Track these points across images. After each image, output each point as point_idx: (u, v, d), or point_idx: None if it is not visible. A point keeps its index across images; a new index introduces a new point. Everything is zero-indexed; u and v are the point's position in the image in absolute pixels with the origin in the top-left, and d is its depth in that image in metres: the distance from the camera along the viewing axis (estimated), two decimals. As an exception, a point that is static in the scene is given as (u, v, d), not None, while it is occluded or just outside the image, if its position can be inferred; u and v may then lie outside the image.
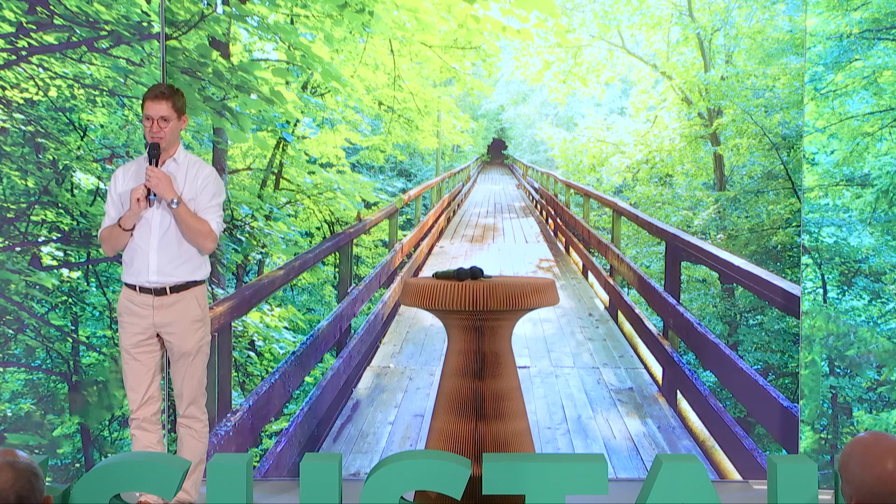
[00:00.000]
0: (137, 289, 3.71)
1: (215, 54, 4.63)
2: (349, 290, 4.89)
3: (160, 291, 3.71)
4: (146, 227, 3.70)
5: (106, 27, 4.48)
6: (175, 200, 3.63)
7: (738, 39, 4.81)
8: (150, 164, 3.65)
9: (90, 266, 4.59)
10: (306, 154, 4.82)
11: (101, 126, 4.56)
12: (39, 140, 4.52)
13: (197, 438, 3.85)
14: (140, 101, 3.83)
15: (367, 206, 4.91)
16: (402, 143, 4.93)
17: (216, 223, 3.75)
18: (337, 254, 4.92)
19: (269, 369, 4.79)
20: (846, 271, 4.76)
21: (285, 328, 4.81)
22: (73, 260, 4.57)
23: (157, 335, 3.75)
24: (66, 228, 4.55)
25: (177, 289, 3.72)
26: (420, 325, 5.07)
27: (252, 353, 4.82)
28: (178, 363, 3.77)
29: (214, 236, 3.74)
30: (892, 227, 4.70)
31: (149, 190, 3.62)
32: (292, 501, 4.19)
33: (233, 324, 4.71)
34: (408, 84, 4.88)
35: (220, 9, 4.64)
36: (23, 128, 4.50)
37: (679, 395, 4.85)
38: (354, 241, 4.93)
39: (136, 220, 3.68)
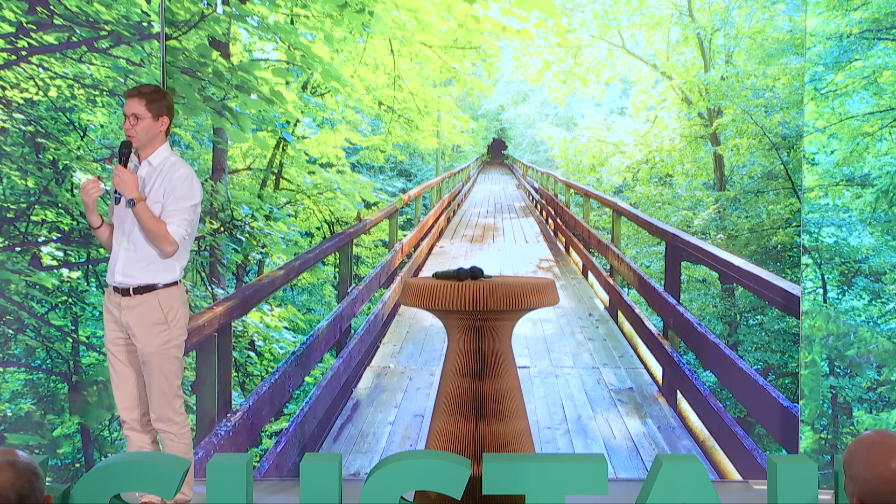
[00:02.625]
0: (112, 288, 3.73)
1: (215, 54, 4.63)
2: (349, 290, 4.89)
3: (125, 292, 3.68)
4: (119, 228, 3.70)
5: (106, 27, 4.48)
6: (132, 200, 3.59)
7: (738, 39, 4.81)
8: (119, 162, 3.62)
9: (90, 266, 4.59)
10: (306, 154, 4.82)
11: (101, 126, 4.56)
12: (39, 140, 4.52)
13: (177, 440, 3.80)
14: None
15: (367, 206, 4.91)
16: (402, 143, 4.93)
17: (175, 227, 3.64)
18: (337, 254, 4.92)
19: (269, 369, 4.79)
20: (846, 271, 4.76)
21: (285, 328, 4.81)
22: (73, 260, 4.57)
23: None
24: (66, 228, 4.55)
25: (140, 290, 3.67)
26: (420, 325, 5.07)
27: (252, 353, 4.82)
28: (144, 366, 3.72)
29: (171, 240, 3.63)
30: (892, 227, 4.70)
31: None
32: (292, 501, 4.19)
33: (233, 324, 4.71)
34: (408, 84, 4.88)
35: (220, 9, 4.64)
36: (23, 128, 4.50)
37: (679, 395, 4.85)
38: (354, 241, 4.93)
39: (92, 217, 3.73)
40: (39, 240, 4.55)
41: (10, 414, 4.53)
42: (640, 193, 4.94)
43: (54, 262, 4.55)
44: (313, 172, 4.84)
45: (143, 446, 3.79)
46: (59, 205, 4.54)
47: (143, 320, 3.67)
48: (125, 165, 3.63)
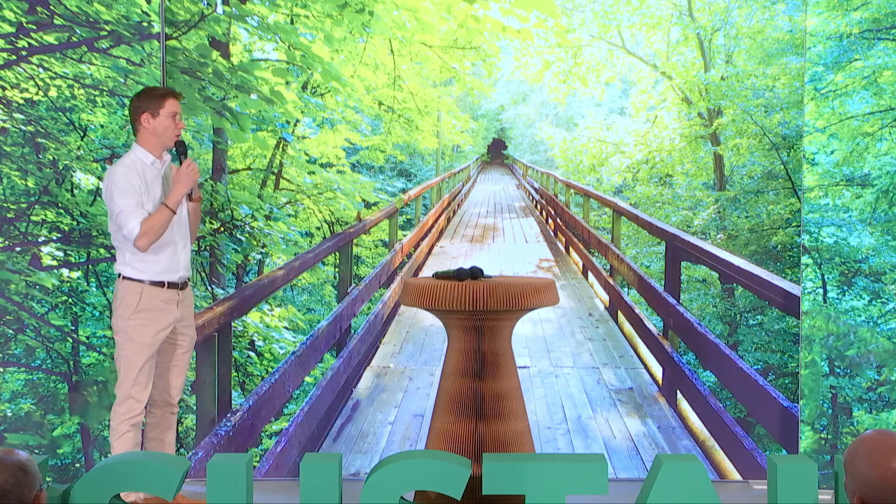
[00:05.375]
0: (166, 285, 3.78)
1: (215, 54, 4.63)
2: (349, 290, 4.89)
3: (183, 286, 3.86)
4: (174, 223, 3.79)
5: (106, 27, 4.48)
6: (199, 195, 3.86)
7: (738, 39, 4.81)
8: (182, 160, 3.76)
9: (90, 266, 4.59)
10: (306, 154, 4.82)
11: (101, 126, 4.56)
12: (39, 140, 4.52)
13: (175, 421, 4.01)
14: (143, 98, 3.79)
15: (367, 206, 4.91)
16: (402, 143, 4.93)
17: None
18: (337, 254, 4.92)
19: (269, 369, 4.79)
20: (846, 271, 4.76)
21: (285, 328, 4.81)
22: (73, 260, 4.57)
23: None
24: (66, 228, 4.55)
25: (188, 282, 3.92)
26: (420, 325, 5.07)
27: (252, 353, 4.81)
28: (185, 355, 3.92)
29: None
30: (892, 227, 4.70)
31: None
32: (292, 501, 4.19)
33: (233, 324, 4.71)
34: (408, 84, 4.88)
35: (220, 9, 4.64)
36: (23, 128, 4.50)
37: (679, 395, 4.85)
38: (354, 241, 4.93)
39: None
40: (39, 240, 4.55)
41: (10, 414, 4.53)
42: (640, 193, 4.94)
43: (54, 262, 4.55)
44: (313, 172, 4.84)
45: (138, 443, 3.86)
46: (59, 205, 4.54)
47: (192, 308, 3.95)
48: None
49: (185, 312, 3.86)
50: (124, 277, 3.77)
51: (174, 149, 3.78)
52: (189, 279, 3.91)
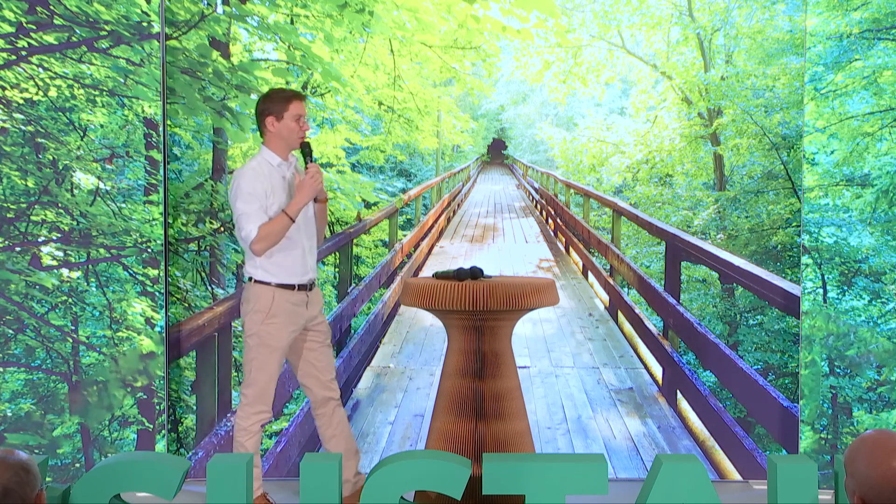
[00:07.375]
0: (295, 287, 3.80)
1: (215, 54, 4.63)
2: (349, 290, 4.89)
3: (311, 287, 3.89)
4: (300, 226, 3.80)
5: (106, 27, 4.48)
6: (325, 195, 3.89)
7: (738, 39, 4.81)
8: (311, 161, 3.80)
9: (90, 266, 4.59)
10: (306, 154, 4.82)
11: (101, 126, 4.55)
12: (39, 140, 4.52)
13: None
14: (267, 101, 3.85)
15: (367, 206, 4.91)
16: (402, 143, 4.93)
17: None
18: (337, 254, 4.92)
19: (269, 369, 4.78)
20: (846, 271, 4.76)
21: (285, 328, 4.81)
22: (73, 260, 4.57)
23: None
24: (66, 228, 4.55)
25: (315, 282, 3.95)
26: (420, 325, 5.07)
27: (252, 353, 4.80)
28: (325, 349, 3.95)
29: None
30: (892, 227, 4.70)
31: None
32: (292, 501, 4.19)
33: (233, 324, 4.71)
34: (408, 84, 4.88)
35: (220, 9, 4.64)
36: (23, 128, 4.50)
37: (679, 395, 4.85)
38: (354, 241, 4.93)
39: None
40: (39, 240, 4.55)
41: (10, 414, 4.53)
42: (640, 193, 4.94)
43: (54, 262, 4.55)
44: (313, 172, 4.83)
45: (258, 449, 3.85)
46: (59, 205, 4.54)
47: (321, 304, 3.96)
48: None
49: (314, 312, 3.89)
50: (256, 281, 3.78)
51: (300, 150, 3.83)
52: (316, 280, 3.93)
